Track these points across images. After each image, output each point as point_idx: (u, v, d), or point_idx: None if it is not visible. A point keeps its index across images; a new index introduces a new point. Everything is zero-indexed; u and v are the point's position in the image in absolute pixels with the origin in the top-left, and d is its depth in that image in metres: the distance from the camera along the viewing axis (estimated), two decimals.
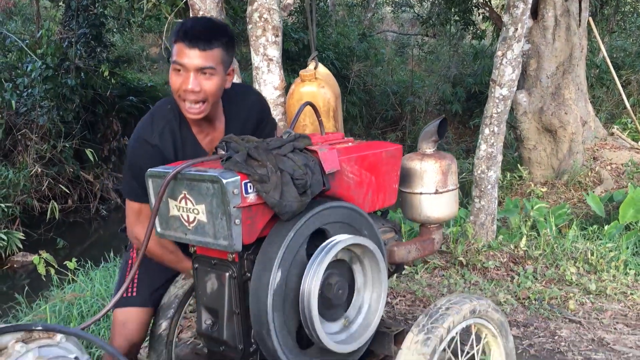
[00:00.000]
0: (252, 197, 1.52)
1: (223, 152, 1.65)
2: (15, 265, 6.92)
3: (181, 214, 1.61)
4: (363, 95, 12.55)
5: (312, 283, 1.54)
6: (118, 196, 9.46)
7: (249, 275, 1.60)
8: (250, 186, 1.51)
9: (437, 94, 13.26)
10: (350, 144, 1.88)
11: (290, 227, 1.56)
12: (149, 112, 1.89)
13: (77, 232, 8.37)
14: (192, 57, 1.69)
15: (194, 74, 1.70)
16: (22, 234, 7.21)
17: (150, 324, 2.08)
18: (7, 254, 6.95)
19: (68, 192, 8.58)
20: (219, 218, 1.51)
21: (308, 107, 2.09)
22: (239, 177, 1.49)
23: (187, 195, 1.57)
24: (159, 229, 1.69)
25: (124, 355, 1.95)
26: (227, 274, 1.59)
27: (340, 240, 1.60)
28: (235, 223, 1.49)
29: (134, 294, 2.00)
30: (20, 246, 7.07)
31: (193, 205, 1.57)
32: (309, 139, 1.72)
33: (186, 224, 1.60)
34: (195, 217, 1.57)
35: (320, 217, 1.62)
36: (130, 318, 1.98)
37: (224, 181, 1.46)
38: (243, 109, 1.97)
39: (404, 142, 12.09)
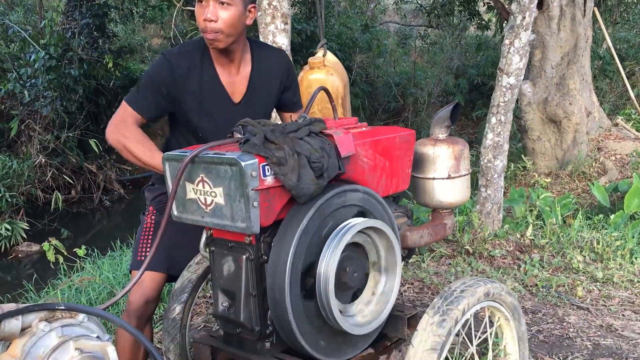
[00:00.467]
0: (269, 180, 1.53)
1: (240, 135, 1.66)
2: (19, 255, 6.95)
3: (198, 197, 1.62)
4: (365, 87, 12.54)
5: (328, 265, 1.55)
6: (121, 187, 9.49)
7: (265, 257, 1.61)
8: (268, 169, 1.52)
9: (440, 86, 13.25)
10: (364, 128, 1.89)
11: (307, 210, 1.57)
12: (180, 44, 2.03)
13: (80, 223, 8.39)
14: None
15: (212, 4, 1.83)
16: (26, 224, 7.24)
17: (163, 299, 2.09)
18: (12, 244, 6.98)
19: (72, 182, 8.61)
20: (237, 201, 1.51)
21: (310, 95, 2.10)
22: (257, 159, 1.50)
23: (205, 178, 1.58)
24: (175, 212, 1.70)
25: (139, 310, 2.02)
26: (244, 257, 1.60)
27: (356, 223, 1.61)
28: (254, 205, 1.49)
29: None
30: (25, 236, 7.10)
31: (210, 188, 1.57)
32: (324, 122, 1.73)
33: (203, 206, 1.61)
34: (212, 200, 1.58)
35: (336, 200, 1.63)
36: (145, 277, 2.01)
37: (243, 163, 1.47)
38: (272, 63, 2.06)
39: None
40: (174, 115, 2.02)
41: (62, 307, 1.30)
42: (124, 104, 1.94)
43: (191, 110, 1.96)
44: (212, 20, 1.84)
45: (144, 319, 2.07)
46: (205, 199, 1.60)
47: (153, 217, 2.10)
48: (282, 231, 1.57)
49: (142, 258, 2.05)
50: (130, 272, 2.14)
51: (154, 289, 2.04)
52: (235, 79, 1.98)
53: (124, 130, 1.90)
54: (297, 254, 1.54)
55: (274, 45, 3.16)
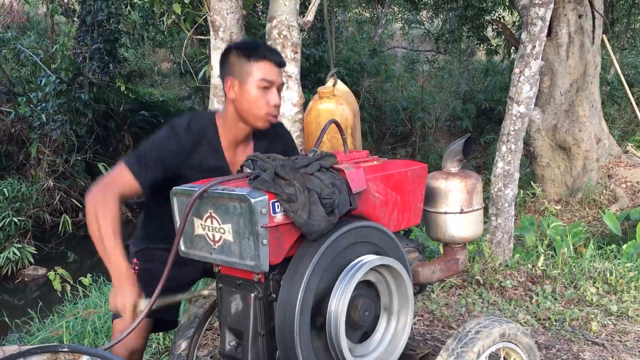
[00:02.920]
0: (279, 217, 1.49)
1: (249, 170, 1.64)
2: (25, 279, 6.92)
3: (206, 233, 1.59)
4: (373, 111, 12.56)
5: (339, 304, 1.51)
6: (128, 210, 9.48)
7: (274, 296, 1.57)
8: (278, 205, 1.49)
9: (447, 110, 13.25)
10: (375, 162, 1.86)
11: (318, 247, 1.53)
12: (187, 115, 1.93)
13: (87, 246, 8.34)
14: (278, 75, 1.86)
15: (277, 90, 1.85)
16: (33, 247, 7.22)
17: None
18: (18, 267, 6.96)
19: (79, 205, 8.61)
20: (246, 238, 1.48)
21: (321, 126, 2.08)
22: (267, 196, 1.47)
23: (213, 214, 1.55)
24: (183, 248, 1.67)
25: None
26: (253, 295, 1.57)
27: (367, 261, 1.58)
28: (263, 243, 1.46)
29: None
30: (32, 260, 7.08)
31: (219, 225, 1.54)
32: (335, 157, 1.70)
33: (211, 243, 1.58)
34: (221, 237, 1.55)
35: (347, 237, 1.60)
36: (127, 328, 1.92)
37: (252, 200, 1.44)
38: (272, 137, 2.02)
39: (414, 158, 12.05)
40: (160, 191, 1.80)
41: (65, 349, 1.27)
42: (121, 165, 1.80)
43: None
44: (279, 106, 1.88)
45: (140, 354, 1.98)
46: (213, 235, 1.57)
47: (137, 267, 1.98)
48: (292, 269, 1.53)
49: None
50: (112, 321, 1.96)
51: (139, 338, 1.90)
52: (238, 158, 1.92)
53: (110, 199, 1.73)
54: (307, 293, 1.50)
55: (284, 73, 3.15)
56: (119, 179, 1.78)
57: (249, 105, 1.83)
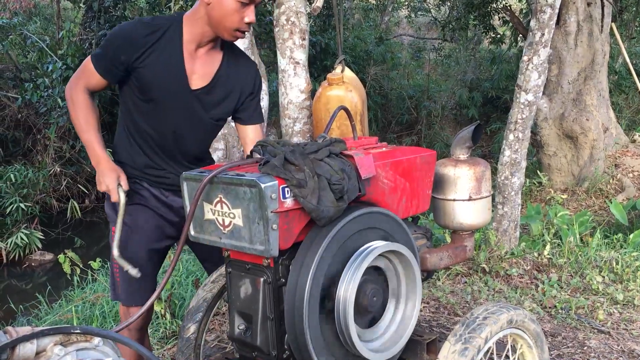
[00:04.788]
0: (289, 202, 1.50)
1: (259, 156, 1.64)
2: (33, 264, 6.97)
3: (216, 218, 1.60)
4: (379, 99, 12.51)
5: (348, 290, 1.52)
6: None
7: (283, 280, 1.58)
8: (287, 191, 1.50)
9: (454, 99, 13.19)
10: (384, 149, 1.86)
11: (327, 233, 1.54)
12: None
13: (94, 232, 8.41)
14: None
15: (254, 6, 1.82)
16: (40, 233, 7.26)
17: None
18: (26, 252, 7.01)
19: (85, 191, 8.64)
20: (256, 223, 1.49)
21: (330, 112, 2.08)
22: (277, 181, 1.48)
23: (223, 199, 1.56)
24: (192, 232, 1.68)
25: (138, 323, 2.03)
26: (262, 279, 1.58)
27: (376, 246, 1.58)
28: (273, 228, 1.47)
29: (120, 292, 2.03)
30: (39, 245, 7.12)
31: (229, 209, 1.55)
32: (345, 143, 1.70)
33: (221, 227, 1.59)
34: (231, 221, 1.56)
35: (356, 222, 1.60)
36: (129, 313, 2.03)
37: (263, 185, 1.45)
38: (241, 69, 2.00)
39: (420, 146, 12.02)
40: (124, 92, 1.95)
41: (78, 331, 1.27)
42: (87, 59, 1.90)
43: (144, 83, 1.86)
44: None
45: (144, 330, 2.11)
46: (223, 219, 1.58)
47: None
48: (301, 254, 1.54)
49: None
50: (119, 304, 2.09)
51: (142, 318, 2.03)
52: (198, 68, 1.90)
53: (77, 91, 1.89)
54: (316, 278, 1.51)
55: (292, 60, 3.15)
56: (85, 71, 1.89)
57: (222, 15, 1.79)
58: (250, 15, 1.81)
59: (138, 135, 1.98)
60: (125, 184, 1.88)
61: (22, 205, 7.16)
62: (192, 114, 1.94)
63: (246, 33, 1.91)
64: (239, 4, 1.78)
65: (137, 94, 1.90)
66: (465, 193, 1.97)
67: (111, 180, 1.86)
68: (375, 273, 1.66)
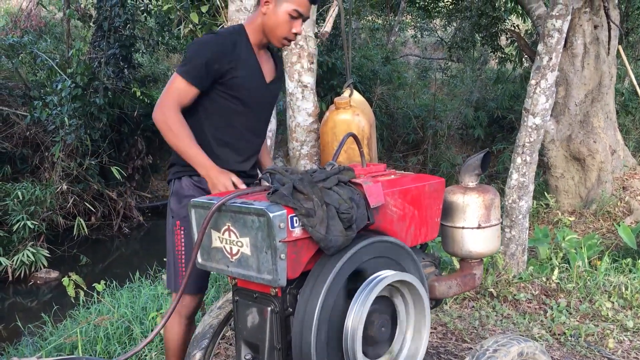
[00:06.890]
0: (297, 231, 1.49)
1: (267, 184, 1.64)
2: (38, 282, 6.96)
3: (224, 246, 1.59)
4: (385, 118, 12.53)
5: (356, 320, 1.51)
6: (140, 214, 9.53)
7: (291, 310, 1.57)
8: (296, 220, 1.49)
9: (460, 118, 13.19)
10: (392, 176, 1.86)
11: (335, 262, 1.53)
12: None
13: (99, 250, 8.41)
14: (309, 10, 2.10)
15: (303, 20, 2.10)
16: (46, 251, 7.26)
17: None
18: (31, 270, 7.01)
19: (92, 209, 8.66)
20: (264, 252, 1.48)
21: (337, 136, 2.08)
22: (285, 210, 1.47)
23: (231, 227, 1.55)
24: (200, 260, 1.68)
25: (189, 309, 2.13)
26: (269, 309, 1.57)
27: (385, 276, 1.57)
28: (281, 257, 1.46)
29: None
30: (45, 263, 7.12)
31: (237, 238, 1.55)
32: (353, 171, 1.70)
33: (229, 256, 1.58)
34: (238, 250, 1.55)
35: (364, 252, 1.59)
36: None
37: (271, 215, 1.44)
38: (279, 66, 2.35)
39: (425, 166, 12.03)
40: (210, 94, 2.09)
41: None
42: (176, 77, 2.02)
43: (236, 84, 2.06)
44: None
45: (192, 319, 2.17)
46: (231, 248, 1.57)
47: (183, 239, 2.08)
48: (309, 284, 1.53)
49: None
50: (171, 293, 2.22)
51: (192, 300, 2.14)
52: (264, 65, 2.18)
53: (173, 113, 1.99)
54: (324, 308, 1.50)
55: (300, 83, 3.16)
56: (176, 90, 2.00)
57: (275, 25, 2.07)
58: (297, 27, 2.09)
59: (227, 132, 2.13)
60: (239, 182, 1.96)
61: (28, 222, 7.17)
62: (270, 102, 2.27)
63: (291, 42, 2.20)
64: (289, 17, 2.06)
65: (226, 96, 2.08)
66: (475, 221, 1.96)
67: (226, 180, 1.95)
68: (383, 302, 1.65)
